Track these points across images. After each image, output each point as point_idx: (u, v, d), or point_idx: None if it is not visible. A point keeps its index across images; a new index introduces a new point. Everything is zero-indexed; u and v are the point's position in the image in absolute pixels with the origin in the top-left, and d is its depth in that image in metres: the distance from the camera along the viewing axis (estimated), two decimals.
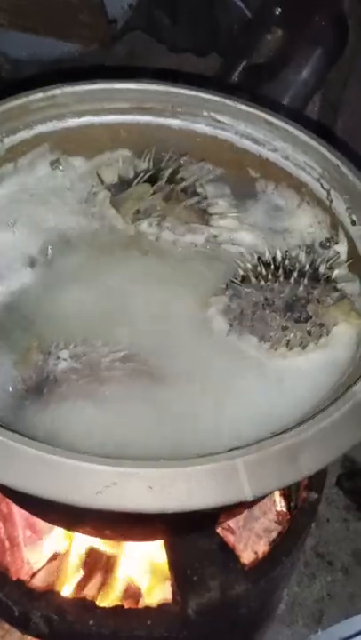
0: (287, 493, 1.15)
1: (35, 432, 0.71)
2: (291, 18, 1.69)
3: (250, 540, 1.13)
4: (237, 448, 0.68)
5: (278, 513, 1.17)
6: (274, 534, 1.14)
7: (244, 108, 1.00)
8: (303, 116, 1.68)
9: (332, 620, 1.29)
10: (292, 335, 0.83)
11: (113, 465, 0.65)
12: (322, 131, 1.02)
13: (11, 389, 0.76)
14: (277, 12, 1.71)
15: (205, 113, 1.00)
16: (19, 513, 1.09)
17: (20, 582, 0.94)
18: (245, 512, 1.10)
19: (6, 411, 0.74)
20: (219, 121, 1.00)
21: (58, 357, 0.78)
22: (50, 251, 0.91)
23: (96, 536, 0.95)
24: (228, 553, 0.96)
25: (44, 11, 1.58)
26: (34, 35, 1.63)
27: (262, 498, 0.90)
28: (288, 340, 0.83)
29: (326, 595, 1.37)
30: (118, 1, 1.68)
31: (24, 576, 1.00)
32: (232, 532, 1.13)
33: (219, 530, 0.99)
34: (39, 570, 1.02)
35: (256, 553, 1.11)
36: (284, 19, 1.69)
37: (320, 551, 1.42)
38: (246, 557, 1.06)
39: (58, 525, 0.99)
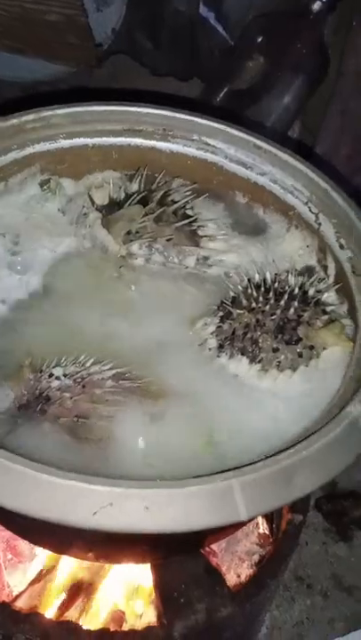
0: (270, 516, 1.15)
1: (27, 451, 0.70)
2: (272, 45, 1.71)
3: (233, 563, 1.13)
4: (232, 469, 0.68)
5: (261, 535, 1.17)
6: (256, 557, 1.13)
7: (233, 132, 1.01)
8: (286, 137, 1.70)
9: None
10: (282, 357, 0.84)
11: (109, 485, 0.64)
12: (304, 151, 1.03)
13: (3, 408, 0.75)
14: (259, 40, 1.73)
15: (196, 137, 1.01)
16: None
17: (3, 605, 0.92)
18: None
19: None
20: (209, 144, 1.01)
21: (51, 375, 0.77)
22: (41, 271, 0.91)
23: (81, 558, 0.94)
24: (214, 576, 0.96)
25: (32, 32, 1.59)
26: (20, 55, 1.64)
27: (252, 519, 0.90)
28: (279, 362, 0.84)
29: (306, 618, 1.37)
30: (103, 25, 1.69)
31: (6, 599, 0.98)
32: (215, 554, 1.12)
33: (203, 552, 0.99)
34: (22, 593, 1.00)
35: (239, 576, 1.10)
36: (265, 46, 1.72)
37: (299, 574, 1.42)
38: (230, 580, 1.05)
39: (41, 546, 0.97)
